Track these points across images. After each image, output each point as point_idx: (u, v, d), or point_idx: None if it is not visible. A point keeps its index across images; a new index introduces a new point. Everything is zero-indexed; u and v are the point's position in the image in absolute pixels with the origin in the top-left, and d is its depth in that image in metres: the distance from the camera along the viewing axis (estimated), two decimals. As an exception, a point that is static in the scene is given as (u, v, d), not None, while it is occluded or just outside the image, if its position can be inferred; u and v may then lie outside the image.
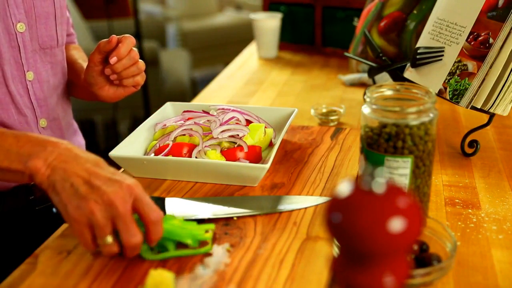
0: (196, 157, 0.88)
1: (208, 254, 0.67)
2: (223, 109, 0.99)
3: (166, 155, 0.89)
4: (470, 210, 0.77)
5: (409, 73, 1.01)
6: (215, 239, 0.70)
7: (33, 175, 0.65)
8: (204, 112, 0.99)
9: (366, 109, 0.69)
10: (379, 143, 0.67)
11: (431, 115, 0.67)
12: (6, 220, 0.91)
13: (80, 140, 1.07)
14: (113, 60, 0.87)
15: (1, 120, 0.87)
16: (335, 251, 0.57)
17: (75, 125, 1.07)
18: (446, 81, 0.93)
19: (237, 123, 0.95)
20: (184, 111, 1.01)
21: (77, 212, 0.62)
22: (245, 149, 0.88)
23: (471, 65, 0.89)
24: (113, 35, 0.89)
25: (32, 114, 0.91)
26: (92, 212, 0.61)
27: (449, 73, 0.93)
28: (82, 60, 1.04)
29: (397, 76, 1.04)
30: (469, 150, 0.95)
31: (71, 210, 0.62)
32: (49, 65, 0.93)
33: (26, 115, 0.89)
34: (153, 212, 0.64)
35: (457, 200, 0.80)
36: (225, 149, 0.90)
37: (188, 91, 3.17)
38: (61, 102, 0.99)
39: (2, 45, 0.84)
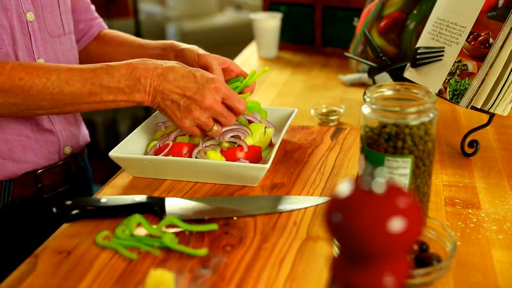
0: (196, 157, 0.88)
1: (207, 256, 0.67)
2: None
3: (166, 155, 0.89)
4: (470, 210, 0.77)
5: (409, 73, 1.01)
6: (213, 243, 0.70)
7: (140, 102, 0.84)
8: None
9: (366, 109, 0.69)
10: (379, 143, 0.67)
11: (431, 115, 0.67)
12: (14, 209, 0.92)
13: (84, 130, 1.08)
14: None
15: None
16: (335, 251, 0.57)
17: (80, 115, 1.09)
18: (446, 81, 0.93)
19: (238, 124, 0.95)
20: None
21: (185, 120, 0.84)
22: (245, 149, 0.88)
23: (471, 65, 0.89)
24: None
25: None
26: (197, 118, 0.84)
27: (449, 73, 0.93)
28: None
29: (397, 76, 1.04)
30: (469, 150, 0.95)
31: (178, 121, 0.84)
32: (60, 52, 0.95)
33: None
34: (239, 103, 0.86)
35: (457, 200, 0.80)
36: (225, 149, 0.90)
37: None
38: None
39: (16, 32, 0.86)
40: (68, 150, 0.98)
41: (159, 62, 0.84)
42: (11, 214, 0.92)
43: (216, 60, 0.94)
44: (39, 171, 0.93)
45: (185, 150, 0.89)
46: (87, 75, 0.81)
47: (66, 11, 0.98)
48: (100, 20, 1.13)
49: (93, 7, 1.11)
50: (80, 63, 1.09)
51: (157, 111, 1.03)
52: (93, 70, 0.82)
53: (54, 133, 0.94)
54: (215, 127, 0.86)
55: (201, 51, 0.97)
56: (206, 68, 0.92)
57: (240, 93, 0.95)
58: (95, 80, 0.81)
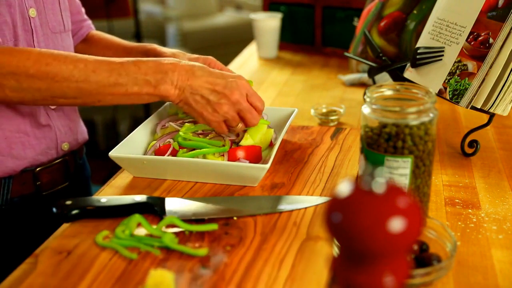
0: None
1: (207, 256, 0.67)
2: None
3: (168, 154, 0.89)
4: (470, 210, 0.77)
5: (409, 73, 1.01)
6: (214, 242, 0.70)
7: (165, 97, 0.83)
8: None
9: (366, 109, 0.69)
10: (379, 143, 0.67)
11: (431, 115, 0.67)
12: (13, 207, 0.92)
13: (83, 127, 1.08)
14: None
15: None
16: (335, 251, 0.57)
17: (78, 113, 1.08)
18: (446, 81, 0.93)
19: None
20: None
21: (214, 115, 0.85)
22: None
23: (471, 65, 0.89)
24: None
25: None
26: (226, 112, 0.85)
27: (449, 73, 0.93)
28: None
29: (397, 76, 1.04)
30: (469, 150, 0.95)
31: (208, 115, 0.85)
32: (61, 49, 0.95)
33: None
34: (259, 102, 0.89)
35: (457, 200, 0.80)
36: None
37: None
38: None
39: (19, 28, 0.86)
40: (66, 146, 0.98)
41: (184, 61, 0.86)
42: (11, 212, 0.92)
43: (199, 61, 0.95)
44: (37, 169, 0.93)
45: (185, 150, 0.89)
46: (114, 66, 0.81)
47: (65, 8, 0.99)
48: (89, 22, 1.13)
49: (83, 9, 1.12)
50: None
51: (157, 111, 1.03)
52: (120, 62, 0.82)
53: (51, 128, 0.94)
54: (240, 124, 0.88)
55: (182, 56, 0.98)
56: None
57: None
58: (122, 71, 0.81)
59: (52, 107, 0.94)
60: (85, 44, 1.10)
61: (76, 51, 1.07)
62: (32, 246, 0.71)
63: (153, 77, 0.82)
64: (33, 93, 0.79)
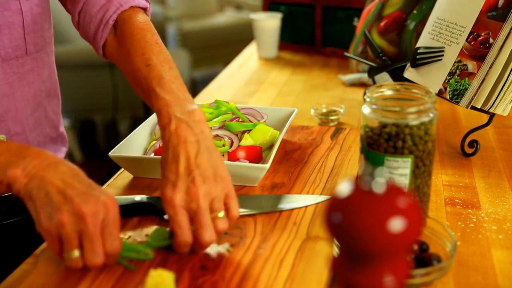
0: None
1: (207, 256, 0.67)
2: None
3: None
4: (470, 210, 0.77)
5: (409, 73, 1.01)
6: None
7: (11, 184, 0.63)
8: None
9: (366, 109, 0.69)
10: (379, 143, 0.67)
11: (431, 115, 0.67)
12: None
13: (59, 146, 0.98)
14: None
15: None
16: (335, 251, 0.57)
17: (59, 131, 0.98)
18: (446, 81, 0.93)
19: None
20: None
21: (48, 222, 0.61)
22: (235, 144, 0.89)
23: (471, 65, 0.89)
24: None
25: None
26: (62, 224, 0.60)
27: (449, 73, 0.93)
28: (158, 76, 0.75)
29: (397, 76, 1.04)
30: (469, 150, 0.95)
31: (43, 219, 0.61)
32: (14, 76, 0.83)
33: None
34: (112, 240, 0.62)
35: (457, 200, 0.80)
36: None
37: (188, 91, 3.16)
38: (36, 113, 0.89)
39: None
40: None
41: (61, 158, 0.69)
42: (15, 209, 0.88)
43: None
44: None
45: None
46: None
47: (33, 30, 0.83)
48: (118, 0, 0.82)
49: None
50: (113, 62, 0.86)
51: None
52: None
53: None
54: (76, 253, 0.61)
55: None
56: None
57: (233, 119, 0.95)
58: None
59: (1, 138, 0.85)
60: (116, 36, 0.83)
61: (108, 47, 0.84)
62: (32, 246, 0.71)
63: (6, 160, 0.64)
64: None
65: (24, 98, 0.86)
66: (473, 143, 0.95)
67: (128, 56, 0.79)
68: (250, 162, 0.88)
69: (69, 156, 2.19)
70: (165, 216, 0.74)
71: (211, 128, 0.91)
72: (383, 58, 1.08)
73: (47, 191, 0.61)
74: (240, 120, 0.96)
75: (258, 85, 1.41)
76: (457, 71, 0.91)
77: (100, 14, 0.83)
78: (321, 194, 0.82)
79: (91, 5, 0.84)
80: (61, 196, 0.61)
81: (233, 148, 0.89)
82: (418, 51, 0.99)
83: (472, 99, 0.89)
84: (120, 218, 0.63)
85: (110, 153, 0.86)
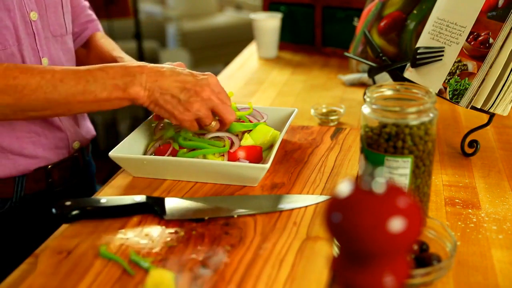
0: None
1: (207, 256, 0.67)
2: None
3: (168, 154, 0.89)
4: (470, 210, 0.77)
5: (409, 73, 1.01)
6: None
7: (135, 99, 0.81)
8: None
9: (366, 109, 0.69)
10: (379, 143, 0.67)
11: (431, 115, 0.67)
12: (26, 203, 0.94)
13: (89, 124, 1.09)
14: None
15: None
16: (335, 251, 0.57)
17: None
18: (446, 81, 0.93)
19: None
20: None
21: (186, 113, 0.83)
22: (236, 145, 0.89)
23: (471, 65, 0.89)
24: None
25: None
26: (198, 109, 0.82)
27: (449, 73, 0.93)
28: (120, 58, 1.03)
29: (397, 76, 1.04)
30: (469, 150, 0.95)
31: (180, 115, 0.83)
32: (61, 52, 0.96)
33: None
34: (227, 99, 0.86)
35: (457, 200, 0.80)
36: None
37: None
38: None
39: (21, 31, 0.87)
40: (76, 145, 1.00)
41: (151, 64, 0.84)
42: (21, 209, 0.93)
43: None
44: (49, 166, 0.94)
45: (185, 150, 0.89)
46: (82, 74, 0.80)
47: (68, 11, 0.99)
48: (96, 22, 1.11)
49: (89, 11, 1.10)
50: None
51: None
52: (88, 68, 0.81)
53: (62, 130, 0.96)
54: (214, 123, 0.86)
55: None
56: None
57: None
58: (90, 78, 0.80)
59: None
60: (85, 49, 1.09)
61: (77, 56, 1.06)
62: (32, 246, 0.71)
63: (121, 81, 0.80)
64: (2, 109, 0.79)
65: None
66: (473, 143, 0.95)
67: (104, 53, 1.05)
68: (250, 162, 0.88)
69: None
70: (165, 216, 0.74)
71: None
72: (383, 58, 1.08)
73: (172, 94, 0.82)
74: (240, 120, 0.96)
75: (258, 85, 1.41)
76: (457, 71, 0.91)
77: (80, 31, 1.08)
78: (321, 194, 0.82)
79: (73, 23, 1.05)
80: (184, 92, 0.82)
81: (234, 148, 0.89)
82: (418, 51, 0.99)
83: (472, 99, 0.89)
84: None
85: (110, 153, 0.86)
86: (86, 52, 1.09)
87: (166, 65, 0.84)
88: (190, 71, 0.85)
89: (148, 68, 0.82)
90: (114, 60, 1.02)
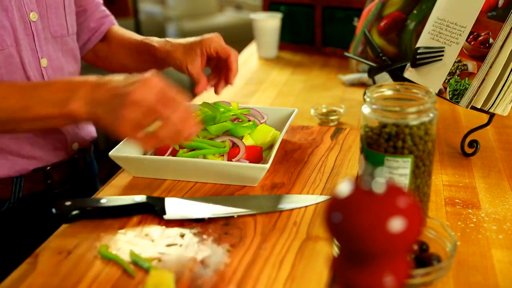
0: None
1: (207, 256, 0.67)
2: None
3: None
4: (470, 210, 0.77)
5: (409, 73, 1.01)
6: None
7: (74, 117, 0.74)
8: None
9: (366, 109, 0.69)
10: (379, 143, 0.67)
11: (431, 115, 0.67)
12: (24, 204, 0.94)
13: (90, 126, 1.08)
14: (233, 82, 0.98)
15: None
16: (335, 251, 0.57)
17: None
18: (446, 81, 0.93)
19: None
20: None
21: (122, 123, 0.71)
22: (242, 151, 0.88)
23: (471, 65, 0.89)
24: (226, 47, 0.98)
25: None
26: (133, 115, 0.70)
27: (449, 73, 0.93)
28: (147, 39, 1.07)
29: (397, 76, 1.04)
30: (469, 150, 0.95)
31: (116, 127, 0.72)
32: (60, 53, 0.96)
33: None
34: (174, 101, 0.73)
35: (457, 200, 0.80)
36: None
37: (188, 91, 3.17)
38: None
39: (19, 32, 0.86)
40: (76, 146, 1.00)
41: (97, 77, 0.77)
42: (19, 210, 0.93)
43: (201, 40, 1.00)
44: (48, 167, 0.94)
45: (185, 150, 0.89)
46: (26, 90, 0.77)
47: (71, 12, 0.98)
48: (111, 17, 1.12)
49: (103, 7, 1.11)
50: (89, 63, 1.13)
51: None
52: (33, 84, 0.79)
53: (61, 131, 0.95)
54: (151, 129, 0.72)
55: (174, 42, 1.01)
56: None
57: (234, 119, 0.96)
58: (33, 94, 0.76)
59: None
60: (104, 43, 1.10)
61: (96, 50, 1.08)
62: (32, 246, 0.71)
63: (61, 96, 0.74)
64: None
65: (68, 74, 0.98)
66: (473, 143, 0.95)
67: (126, 40, 1.08)
68: (250, 162, 0.87)
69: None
70: (165, 216, 0.74)
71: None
72: (383, 58, 1.08)
73: (106, 103, 0.72)
74: (239, 120, 0.96)
75: (258, 85, 1.41)
76: (457, 71, 0.91)
77: (97, 26, 1.08)
78: (321, 194, 0.82)
79: (87, 21, 1.07)
80: (116, 98, 0.71)
81: (241, 154, 0.88)
82: (418, 51, 0.99)
83: (472, 99, 0.89)
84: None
85: (110, 153, 0.86)
86: (107, 45, 1.10)
87: (116, 76, 0.75)
88: (133, 76, 0.74)
89: (89, 82, 0.75)
90: (141, 43, 1.05)
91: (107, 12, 1.12)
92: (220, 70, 1.00)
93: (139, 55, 1.07)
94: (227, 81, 0.98)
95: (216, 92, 1.00)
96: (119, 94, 0.71)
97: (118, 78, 0.75)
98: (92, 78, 0.76)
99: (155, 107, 0.70)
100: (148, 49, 1.03)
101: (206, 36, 0.98)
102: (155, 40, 1.04)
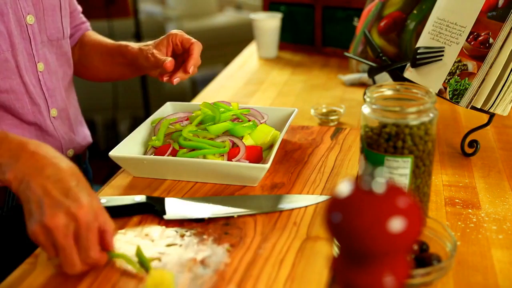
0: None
1: (207, 256, 0.67)
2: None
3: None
4: (470, 210, 0.77)
5: (409, 73, 1.01)
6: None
7: (9, 186, 0.66)
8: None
9: (366, 109, 0.69)
10: (379, 143, 0.67)
11: (431, 115, 0.67)
12: (17, 212, 0.91)
13: (86, 131, 1.08)
14: (192, 71, 0.94)
15: (16, 110, 0.88)
16: (335, 251, 0.57)
17: (81, 117, 1.09)
18: (446, 81, 0.93)
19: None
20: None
21: (41, 222, 0.61)
22: (242, 151, 0.88)
23: (471, 65, 0.89)
24: (190, 38, 0.98)
25: (44, 104, 0.93)
26: (36, 234, 0.61)
27: (449, 73, 0.93)
28: (123, 43, 1.06)
29: (397, 76, 1.04)
30: (469, 150, 0.95)
31: (28, 224, 0.62)
32: (55, 56, 0.95)
33: (39, 104, 0.91)
34: (88, 251, 0.61)
35: (457, 200, 0.80)
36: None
37: (188, 91, 3.17)
38: (68, 93, 1.01)
39: (15, 36, 0.86)
40: (70, 153, 0.99)
41: (57, 154, 0.67)
42: (14, 217, 0.92)
43: (163, 40, 0.99)
44: None
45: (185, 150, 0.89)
46: None
47: (66, 14, 0.98)
48: (87, 24, 1.12)
49: (81, 14, 1.11)
50: None
51: (157, 111, 1.03)
52: None
53: (56, 137, 0.94)
54: (56, 260, 0.64)
55: (150, 46, 0.99)
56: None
57: (234, 119, 0.95)
58: None
59: (54, 115, 0.94)
60: (78, 47, 1.10)
61: (73, 55, 1.06)
62: (32, 246, 0.71)
63: (4, 161, 0.66)
64: None
65: (62, 77, 0.98)
66: (473, 143, 0.95)
67: (98, 44, 1.08)
68: (250, 162, 0.87)
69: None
70: (165, 216, 0.74)
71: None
72: (383, 58, 1.08)
73: (29, 198, 0.62)
74: (239, 120, 0.96)
75: (258, 85, 1.41)
76: (457, 71, 0.91)
77: (73, 32, 1.08)
78: (321, 194, 0.82)
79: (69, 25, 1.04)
80: (36, 205, 0.62)
81: (241, 154, 0.88)
82: (418, 51, 0.99)
83: (472, 99, 0.89)
84: (107, 223, 0.63)
85: (110, 153, 0.86)
86: (81, 50, 1.09)
87: (59, 169, 0.64)
88: (76, 186, 0.63)
89: (36, 159, 0.65)
90: (113, 45, 1.05)
91: (84, 19, 1.12)
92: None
93: (111, 57, 1.06)
94: (184, 69, 0.94)
95: (170, 80, 0.95)
96: (43, 206, 0.61)
97: (60, 175, 0.63)
98: (40, 150, 0.66)
99: (62, 246, 0.61)
100: (120, 50, 1.03)
101: (173, 31, 1.00)
102: (129, 43, 1.04)
